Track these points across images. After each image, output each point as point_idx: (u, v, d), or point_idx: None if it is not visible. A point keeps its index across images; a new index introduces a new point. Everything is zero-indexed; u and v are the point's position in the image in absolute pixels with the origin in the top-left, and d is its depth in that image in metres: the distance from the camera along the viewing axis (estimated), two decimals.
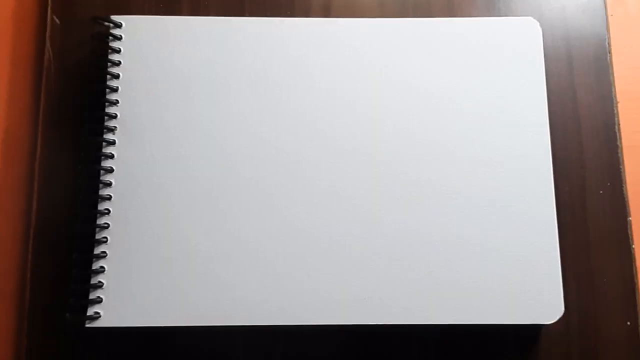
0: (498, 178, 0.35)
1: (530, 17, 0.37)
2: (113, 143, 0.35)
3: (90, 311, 0.33)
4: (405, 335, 0.35)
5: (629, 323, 0.35)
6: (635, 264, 0.35)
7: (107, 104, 0.36)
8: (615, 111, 0.37)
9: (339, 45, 0.37)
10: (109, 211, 0.34)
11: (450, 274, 0.33)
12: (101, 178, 0.35)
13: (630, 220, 0.36)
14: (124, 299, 0.33)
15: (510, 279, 0.33)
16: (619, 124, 0.37)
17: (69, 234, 0.35)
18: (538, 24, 0.37)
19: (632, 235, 0.36)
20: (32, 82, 0.38)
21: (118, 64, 0.36)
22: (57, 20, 0.38)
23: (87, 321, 0.33)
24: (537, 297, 0.33)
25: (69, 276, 0.33)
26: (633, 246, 0.35)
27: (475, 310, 0.33)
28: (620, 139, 0.37)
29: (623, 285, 0.35)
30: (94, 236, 0.34)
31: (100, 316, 0.33)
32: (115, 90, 0.36)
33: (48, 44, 0.38)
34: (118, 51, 0.36)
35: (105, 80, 0.36)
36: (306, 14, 0.39)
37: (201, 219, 0.34)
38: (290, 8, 0.39)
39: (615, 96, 0.38)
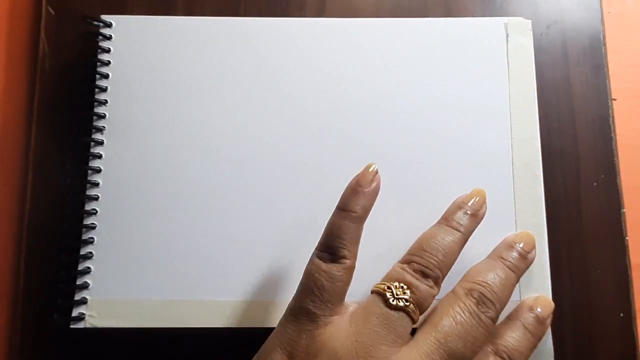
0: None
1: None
2: (101, 143, 0.35)
3: (75, 312, 0.32)
4: None
5: (622, 315, 0.34)
6: (628, 256, 0.35)
7: (96, 103, 0.35)
8: (610, 103, 0.37)
9: (332, 45, 0.36)
10: (96, 211, 0.34)
11: None
12: (89, 178, 0.34)
13: (624, 212, 0.35)
14: (109, 300, 0.33)
15: None
16: (613, 116, 0.37)
17: (61, 233, 0.34)
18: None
19: (625, 227, 0.35)
20: (26, 76, 0.38)
21: (108, 63, 0.36)
22: (52, 11, 0.38)
23: (71, 322, 0.32)
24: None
25: (59, 276, 0.33)
26: (627, 238, 0.35)
27: None
28: (615, 131, 0.36)
29: (617, 277, 0.35)
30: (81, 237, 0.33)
31: (85, 317, 0.32)
32: (104, 90, 0.36)
33: (43, 35, 0.38)
34: (108, 51, 0.36)
35: (94, 79, 0.36)
36: (301, 13, 0.39)
37: (190, 220, 0.34)
38: (285, 8, 0.39)
39: (609, 89, 0.37)
